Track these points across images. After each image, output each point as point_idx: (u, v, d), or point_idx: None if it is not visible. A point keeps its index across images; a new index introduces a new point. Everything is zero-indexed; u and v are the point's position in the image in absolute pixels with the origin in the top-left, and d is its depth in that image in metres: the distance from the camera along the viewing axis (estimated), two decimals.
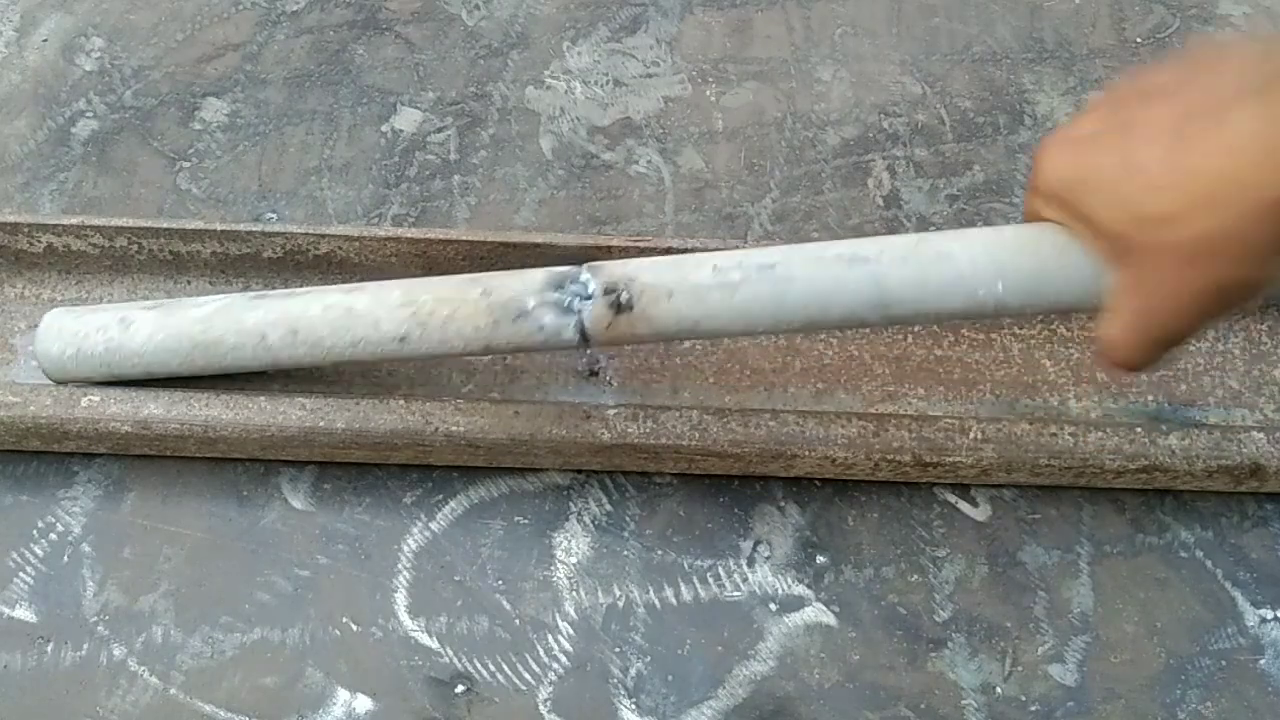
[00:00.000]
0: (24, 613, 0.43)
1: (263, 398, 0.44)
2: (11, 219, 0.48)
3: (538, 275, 0.38)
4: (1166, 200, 0.29)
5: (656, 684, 0.42)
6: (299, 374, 0.48)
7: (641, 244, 0.47)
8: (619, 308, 0.37)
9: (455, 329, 0.39)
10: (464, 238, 0.47)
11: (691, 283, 0.37)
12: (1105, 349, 0.33)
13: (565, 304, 0.37)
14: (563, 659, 0.42)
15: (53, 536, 0.45)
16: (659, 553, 0.45)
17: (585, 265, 0.38)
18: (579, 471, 0.46)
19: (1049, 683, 0.41)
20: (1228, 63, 0.30)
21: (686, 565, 0.44)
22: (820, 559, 0.44)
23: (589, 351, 0.49)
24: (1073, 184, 0.32)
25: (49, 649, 0.42)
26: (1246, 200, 0.27)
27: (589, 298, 0.37)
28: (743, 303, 0.36)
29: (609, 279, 0.37)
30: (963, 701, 0.41)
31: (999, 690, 0.41)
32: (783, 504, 0.46)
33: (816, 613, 0.43)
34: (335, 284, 0.43)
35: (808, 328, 0.37)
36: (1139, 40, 0.63)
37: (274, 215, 0.55)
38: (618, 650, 0.43)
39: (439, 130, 0.59)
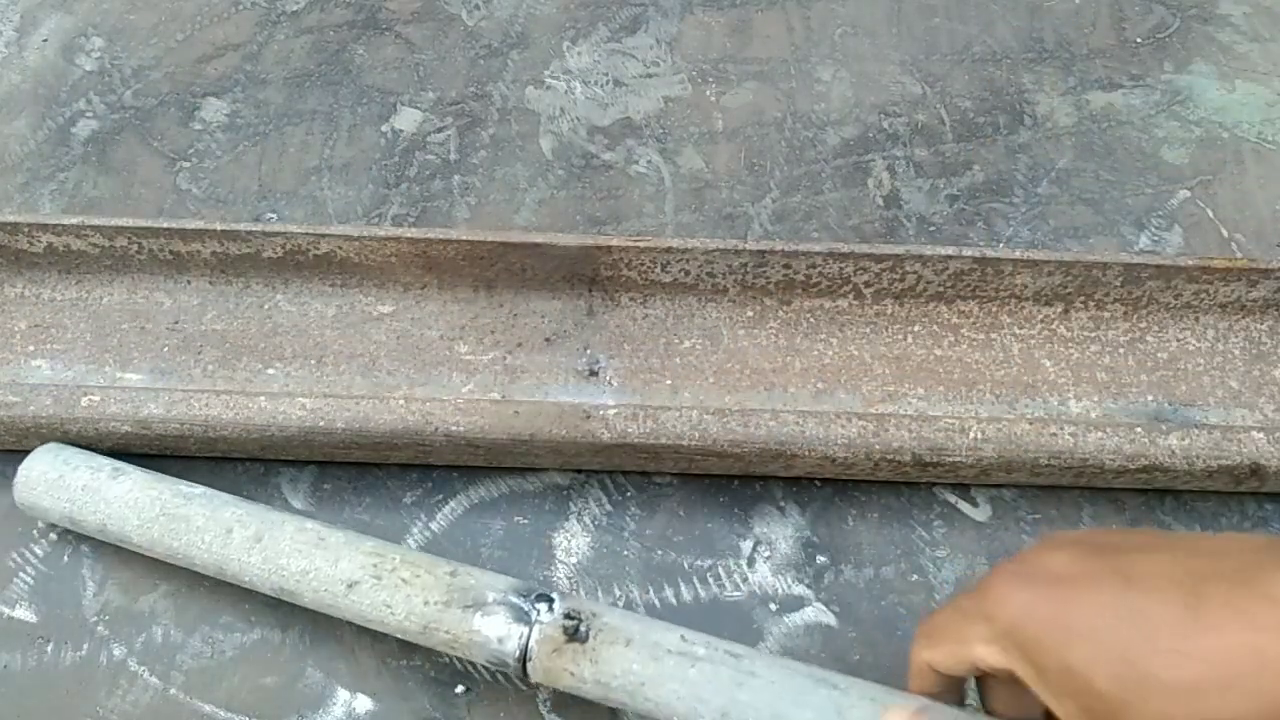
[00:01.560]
0: (24, 613, 0.43)
1: (262, 398, 0.44)
2: (11, 219, 0.48)
3: (507, 579, 0.38)
4: (1187, 671, 0.25)
5: None
6: (300, 375, 0.48)
7: (641, 244, 0.47)
8: (573, 635, 0.36)
9: (405, 595, 0.38)
10: (464, 238, 0.47)
11: (652, 640, 0.35)
12: None
13: (523, 610, 0.37)
14: None
15: (53, 536, 0.45)
16: (659, 553, 0.45)
17: (560, 590, 0.38)
18: (579, 471, 0.46)
19: None
20: (1224, 538, 0.27)
21: (686, 565, 0.44)
22: (820, 559, 0.44)
23: (588, 349, 0.49)
24: (1050, 629, 0.28)
25: (49, 649, 0.42)
26: (1275, 689, 0.24)
27: (549, 613, 0.36)
28: (697, 679, 0.34)
29: (574, 605, 0.37)
30: (965, 702, 0.41)
31: None
32: (783, 504, 0.46)
33: (816, 613, 0.43)
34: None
35: None
36: (1139, 40, 0.63)
37: (274, 215, 0.55)
38: None
39: (439, 130, 0.59)
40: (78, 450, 0.44)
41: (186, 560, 0.41)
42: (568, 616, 0.36)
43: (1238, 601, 0.25)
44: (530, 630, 0.36)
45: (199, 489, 0.42)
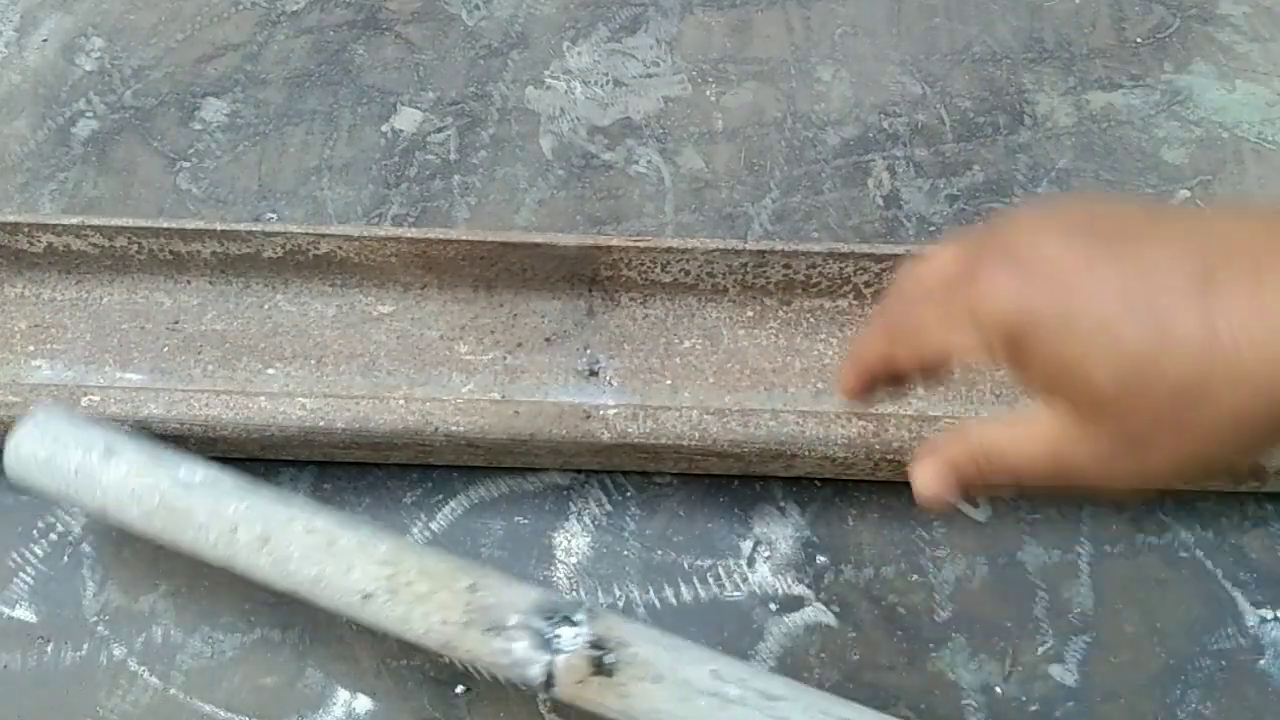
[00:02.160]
0: (24, 613, 0.43)
1: (262, 398, 0.44)
2: (11, 219, 0.48)
3: (532, 594, 0.36)
4: (1199, 368, 0.23)
5: None
6: (300, 375, 0.48)
7: (641, 244, 0.47)
8: (598, 667, 0.34)
9: (422, 612, 0.36)
10: (464, 238, 0.47)
11: (683, 677, 0.34)
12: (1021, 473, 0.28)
13: (546, 637, 0.35)
14: None
15: (53, 536, 0.45)
16: (659, 553, 0.45)
17: (588, 608, 0.36)
18: (579, 471, 0.46)
19: (1049, 683, 0.41)
20: (1235, 215, 0.25)
21: (686, 565, 0.44)
22: (820, 559, 0.44)
23: (588, 349, 0.49)
24: (1046, 322, 0.25)
25: (49, 649, 0.42)
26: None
27: (574, 641, 0.35)
28: None
29: (602, 632, 0.35)
30: (963, 701, 0.41)
31: (999, 690, 0.41)
32: (783, 504, 0.46)
33: (816, 613, 0.43)
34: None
35: None
36: (1139, 40, 0.63)
37: (274, 215, 0.55)
38: None
39: (439, 130, 0.59)
40: (67, 420, 0.41)
41: (193, 554, 0.40)
42: (594, 646, 0.35)
43: (1254, 300, 0.22)
44: (554, 659, 0.35)
45: (198, 473, 0.40)
